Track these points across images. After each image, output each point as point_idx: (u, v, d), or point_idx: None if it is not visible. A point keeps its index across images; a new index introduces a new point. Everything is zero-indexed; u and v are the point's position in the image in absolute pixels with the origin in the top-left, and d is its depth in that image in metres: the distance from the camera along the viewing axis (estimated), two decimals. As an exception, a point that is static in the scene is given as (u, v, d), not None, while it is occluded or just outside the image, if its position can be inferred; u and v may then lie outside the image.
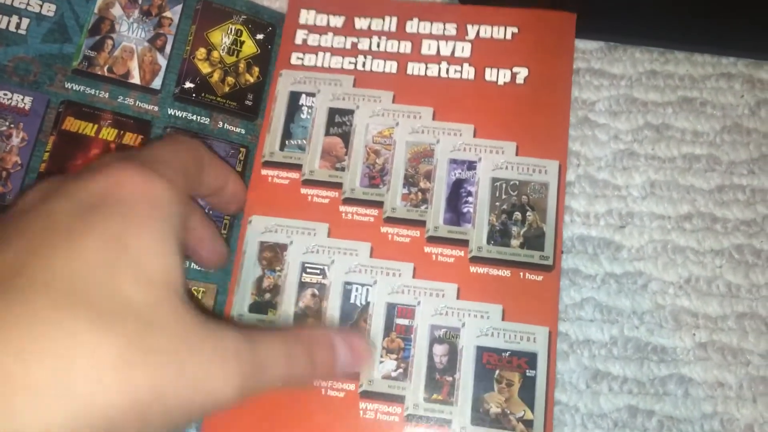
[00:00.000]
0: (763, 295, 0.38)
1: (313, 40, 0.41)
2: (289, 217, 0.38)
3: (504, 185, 0.38)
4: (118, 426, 0.22)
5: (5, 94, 0.38)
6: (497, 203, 0.37)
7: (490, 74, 0.40)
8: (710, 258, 0.39)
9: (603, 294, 0.39)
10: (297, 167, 0.39)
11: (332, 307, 0.36)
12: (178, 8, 0.42)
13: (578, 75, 0.43)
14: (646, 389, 0.37)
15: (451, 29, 0.41)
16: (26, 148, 0.38)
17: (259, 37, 0.42)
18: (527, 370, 0.34)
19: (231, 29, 0.42)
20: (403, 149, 0.39)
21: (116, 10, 0.41)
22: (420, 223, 0.37)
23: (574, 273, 0.39)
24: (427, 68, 0.40)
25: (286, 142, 0.39)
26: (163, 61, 0.41)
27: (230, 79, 0.41)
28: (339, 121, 0.39)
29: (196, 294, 0.37)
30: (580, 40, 0.44)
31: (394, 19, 0.41)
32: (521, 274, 0.36)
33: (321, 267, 0.37)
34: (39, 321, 0.22)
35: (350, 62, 0.40)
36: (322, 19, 0.42)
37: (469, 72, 0.40)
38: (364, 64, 0.40)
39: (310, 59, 0.41)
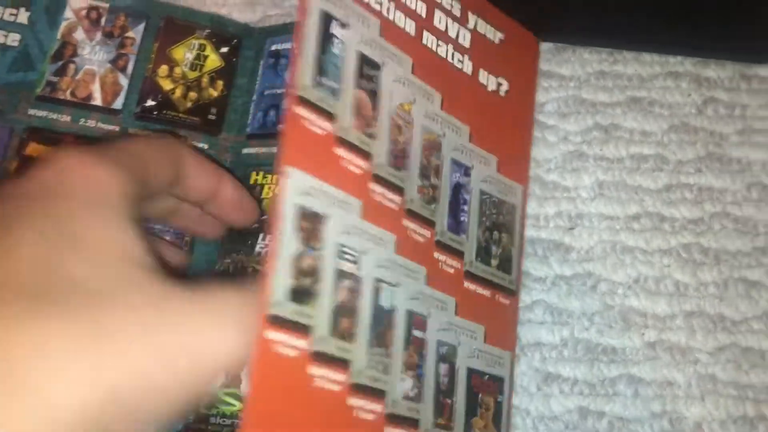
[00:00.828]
0: (711, 293, 0.39)
1: None
2: (325, 180, 0.29)
3: (488, 200, 0.36)
4: (100, 422, 0.21)
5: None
6: (483, 218, 0.36)
7: (482, 77, 0.37)
8: (658, 257, 0.39)
9: (553, 296, 0.39)
10: (329, 116, 0.30)
11: (365, 308, 0.29)
12: (141, 27, 0.42)
13: (527, 77, 0.43)
14: (596, 390, 0.37)
15: (457, 9, 0.37)
16: (-12, 175, 0.38)
17: (224, 50, 0.42)
18: (498, 395, 0.34)
19: (194, 44, 0.42)
20: (419, 133, 0.34)
21: (79, 34, 0.41)
22: (431, 223, 0.33)
23: (524, 276, 0.39)
24: (438, 45, 0.36)
25: (318, 78, 0.30)
26: (125, 81, 0.41)
27: (193, 94, 0.41)
28: (368, 74, 0.32)
29: None
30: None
31: None
32: (496, 295, 0.35)
33: (356, 254, 0.29)
34: None
35: (377, 1, 0.33)
36: None
37: (468, 66, 0.37)
38: (389, 11, 0.34)
39: None
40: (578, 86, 0.43)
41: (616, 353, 0.38)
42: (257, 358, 0.25)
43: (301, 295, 0.27)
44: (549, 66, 0.43)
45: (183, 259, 0.36)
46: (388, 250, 0.31)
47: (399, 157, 0.32)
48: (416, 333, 0.31)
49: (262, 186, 0.40)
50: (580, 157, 0.41)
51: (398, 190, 0.32)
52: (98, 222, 0.24)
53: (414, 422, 0.30)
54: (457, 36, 0.36)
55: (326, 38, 0.31)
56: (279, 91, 0.41)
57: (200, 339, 0.23)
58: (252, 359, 0.25)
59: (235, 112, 0.42)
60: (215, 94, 0.42)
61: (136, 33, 0.42)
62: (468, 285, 0.34)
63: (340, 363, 0.27)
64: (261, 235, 0.38)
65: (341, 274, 0.28)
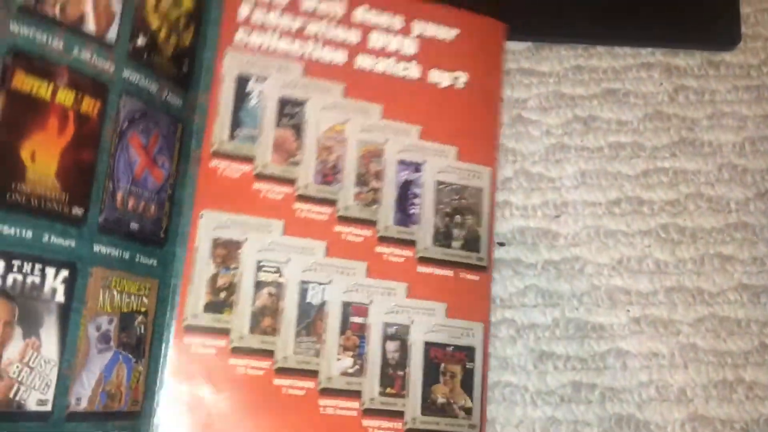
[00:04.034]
0: (689, 269, 0.42)
1: (258, 16, 0.39)
2: (242, 212, 0.37)
3: (447, 189, 0.40)
4: None
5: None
6: (441, 206, 0.39)
7: (434, 75, 0.41)
8: (639, 239, 0.42)
9: (543, 280, 0.42)
10: (248, 160, 0.37)
11: (290, 307, 0.36)
12: None
13: (510, 75, 0.45)
14: (587, 365, 0.40)
15: (398, 23, 0.41)
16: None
17: None
18: (467, 363, 0.37)
19: None
20: (355, 147, 0.39)
21: None
22: (372, 223, 0.38)
23: (516, 263, 0.42)
24: (375, 62, 0.40)
25: (235, 131, 0.37)
26: (118, 7, 0.36)
27: (174, 39, 0.38)
28: (290, 113, 0.38)
29: (139, 290, 0.36)
30: (509, 41, 0.46)
31: (344, 3, 0.40)
32: (461, 273, 0.39)
33: (277, 265, 0.37)
34: None
35: (299, 47, 0.39)
36: None
37: (414, 71, 0.40)
38: (313, 52, 0.39)
39: (256, 39, 0.39)
40: (557, 81, 0.45)
41: (604, 330, 0.41)
42: (174, 357, 0.35)
43: (216, 306, 0.36)
44: (529, 64, 0.46)
45: None
46: (317, 255, 0.37)
47: (329, 174, 0.38)
48: (356, 319, 0.37)
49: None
50: (562, 149, 0.44)
51: (329, 202, 0.38)
52: None
53: (355, 393, 0.36)
54: (400, 48, 0.40)
55: (243, 96, 0.38)
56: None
57: None
58: (169, 357, 0.35)
59: (202, 67, 0.38)
60: (186, 42, 0.38)
61: None
62: (422, 269, 0.38)
63: (263, 353, 0.36)
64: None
65: (260, 284, 0.36)
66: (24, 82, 0.31)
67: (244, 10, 0.39)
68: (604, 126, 0.45)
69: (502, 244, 0.42)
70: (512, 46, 0.46)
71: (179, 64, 0.38)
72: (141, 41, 0.37)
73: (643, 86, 0.45)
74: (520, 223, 0.43)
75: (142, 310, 0.36)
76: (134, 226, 0.35)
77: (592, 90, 0.45)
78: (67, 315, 0.32)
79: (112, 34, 0.35)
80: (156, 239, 0.36)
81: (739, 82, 0.45)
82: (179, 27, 0.38)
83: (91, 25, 0.35)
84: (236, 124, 0.37)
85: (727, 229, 0.42)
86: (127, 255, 0.35)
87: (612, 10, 0.46)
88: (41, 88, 0.32)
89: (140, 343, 0.35)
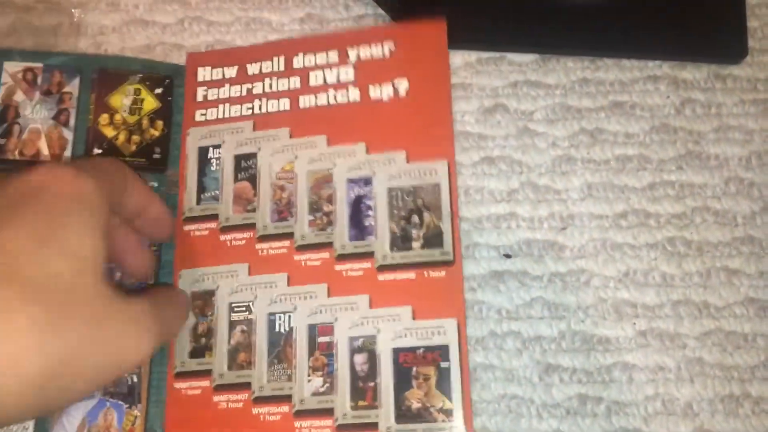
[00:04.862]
0: (696, 282, 0.42)
1: (212, 94, 0.43)
2: (212, 264, 0.40)
3: (399, 193, 0.40)
4: (37, 385, 0.26)
5: None
6: (395, 211, 0.40)
7: (374, 92, 0.42)
8: (646, 251, 0.42)
9: (550, 292, 0.42)
10: (214, 217, 0.41)
11: (260, 339, 0.39)
12: (76, 81, 0.44)
13: (516, 87, 0.46)
14: (593, 378, 0.40)
15: (334, 56, 0.43)
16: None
17: (158, 91, 0.44)
18: (441, 363, 0.37)
19: (129, 90, 0.44)
20: (304, 179, 0.41)
21: (18, 96, 0.43)
22: (328, 245, 0.40)
23: (522, 275, 0.42)
24: (316, 98, 0.42)
25: (201, 195, 0.42)
26: (69, 135, 0.43)
27: (136, 138, 0.43)
28: (245, 166, 0.42)
29: None
30: (515, 54, 0.46)
31: (282, 59, 0.43)
32: (425, 273, 0.38)
33: (246, 304, 0.40)
34: None
35: (248, 108, 0.43)
36: (217, 73, 0.44)
37: (354, 94, 0.42)
38: (260, 107, 0.43)
39: (212, 113, 0.43)
40: (564, 94, 0.46)
41: (610, 342, 0.41)
42: (170, 402, 0.39)
43: (199, 351, 0.40)
44: (536, 76, 0.46)
45: (148, 262, 0.40)
46: (280, 287, 0.40)
47: (284, 211, 0.41)
48: (322, 339, 0.39)
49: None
50: (568, 161, 0.44)
51: (286, 236, 0.40)
52: (78, 226, 0.29)
53: (328, 411, 0.37)
54: (338, 78, 0.43)
55: (204, 164, 0.42)
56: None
57: (123, 340, 0.29)
58: (167, 404, 0.39)
59: (177, 148, 0.44)
60: (156, 133, 0.43)
61: (72, 88, 0.44)
62: (383, 277, 0.39)
63: (241, 386, 0.38)
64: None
65: (233, 324, 0.40)
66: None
67: (200, 94, 0.44)
68: (611, 138, 0.45)
69: (508, 256, 0.42)
70: (519, 58, 0.46)
71: (149, 154, 0.43)
72: (97, 151, 0.43)
73: (650, 99, 0.45)
74: (526, 235, 0.43)
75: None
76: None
77: (598, 102, 0.45)
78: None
79: (66, 155, 0.42)
80: None
81: (746, 95, 0.45)
82: (141, 127, 0.43)
83: (46, 155, 0.42)
84: (201, 189, 0.42)
85: (734, 242, 0.42)
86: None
87: (619, 23, 0.46)
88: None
89: (133, 390, 0.39)
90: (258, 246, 0.40)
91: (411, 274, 0.39)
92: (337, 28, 0.46)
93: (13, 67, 0.43)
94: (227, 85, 0.43)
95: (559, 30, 0.46)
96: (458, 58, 0.46)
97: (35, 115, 0.43)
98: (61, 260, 0.27)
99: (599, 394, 0.40)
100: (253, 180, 0.42)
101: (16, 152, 0.42)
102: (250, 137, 0.42)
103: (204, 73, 0.44)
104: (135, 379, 0.39)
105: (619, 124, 0.45)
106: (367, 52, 0.43)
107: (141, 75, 0.44)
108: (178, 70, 0.45)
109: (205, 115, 0.43)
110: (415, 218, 0.40)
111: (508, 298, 0.41)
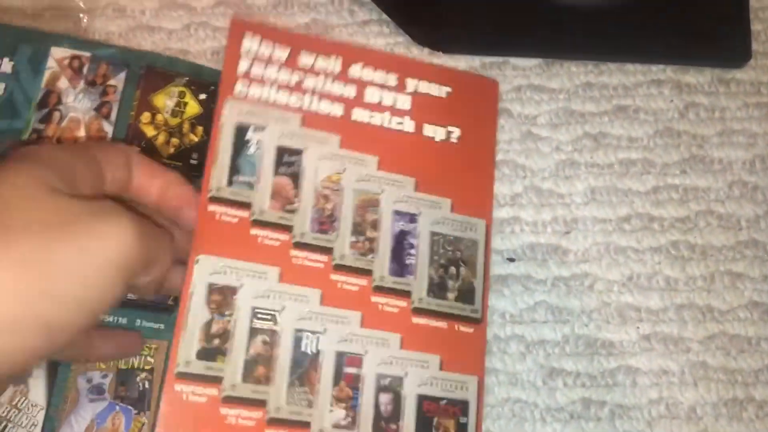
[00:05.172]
0: (699, 286, 0.42)
1: (257, 70, 0.40)
2: (238, 258, 0.36)
3: (441, 240, 0.40)
4: (18, 330, 0.25)
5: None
6: (435, 257, 0.39)
7: (428, 130, 0.41)
8: (649, 255, 0.42)
9: (554, 296, 0.42)
10: (246, 206, 0.37)
11: (283, 356, 0.36)
12: (122, 75, 0.43)
13: (520, 92, 0.46)
14: (597, 382, 0.40)
15: (392, 80, 0.42)
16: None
17: (202, 96, 0.44)
18: (461, 418, 0.37)
19: (174, 92, 0.43)
20: (351, 196, 0.39)
21: (62, 83, 0.42)
22: (367, 272, 0.38)
23: (526, 279, 0.42)
24: (371, 116, 0.41)
25: (234, 177, 0.38)
26: (109, 128, 0.42)
27: (175, 140, 0.43)
28: (288, 161, 0.39)
29: (147, 350, 0.39)
30: (520, 58, 0.47)
31: (339, 61, 0.41)
32: (456, 326, 0.38)
33: (272, 313, 0.36)
34: None
35: (298, 100, 0.40)
36: (266, 48, 0.40)
37: (410, 125, 0.41)
38: (311, 104, 0.40)
39: (255, 91, 0.39)
40: (567, 98, 0.46)
41: (614, 346, 0.41)
42: (166, 404, 0.34)
43: (210, 353, 0.35)
44: (539, 80, 0.46)
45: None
46: (312, 304, 0.37)
47: (325, 223, 0.38)
48: (349, 370, 0.36)
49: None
50: (572, 165, 0.44)
51: (325, 250, 0.38)
52: (30, 169, 0.28)
53: None
54: (394, 103, 0.41)
55: (241, 144, 0.38)
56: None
57: (92, 236, 0.27)
58: (162, 405, 0.34)
59: None
60: (196, 139, 0.43)
61: (117, 81, 0.43)
62: (417, 320, 0.38)
63: (255, 403, 0.35)
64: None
65: (254, 332, 0.36)
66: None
67: (243, 66, 0.40)
68: (615, 142, 0.45)
69: (512, 260, 0.42)
70: (523, 62, 0.46)
71: (185, 158, 0.42)
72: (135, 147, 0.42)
73: (654, 103, 0.46)
74: (530, 239, 0.43)
75: (146, 367, 0.39)
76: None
77: (602, 107, 0.46)
78: (55, 369, 0.38)
79: None
80: (163, 306, 0.40)
81: (749, 99, 0.45)
82: (182, 131, 0.43)
83: None
84: (235, 170, 0.38)
85: (738, 246, 0.42)
86: (125, 321, 0.39)
87: (622, 27, 0.46)
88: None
89: (143, 396, 0.38)
90: (293, 253, 0.37)
91: (443, 324, 0.38)
92: (342, 33, 0.47)
93: (60, 53, 0.43)
94: (276, 66, 0.40)
95: (563, 34, 0.47)
96: (462, 62, 0.46)
97: (77, 104, 0.42)
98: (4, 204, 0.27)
99: (603, 398, 0.40)
100: (295, 179, 0.39)
101: (54, 139, 0.41)
102: (298, 132, 0.39)
103: (251, 44, 0.40)
104: (146, 385, 0.38)
105: (622, 128, 0.45)
106: (425, 87, 0.42)
107: (187, 78, 0.44)
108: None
109: (247, 89, 0.39)
110: (453, 269, 0.39)
111: (512, 302, 0.42)
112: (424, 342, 0.38)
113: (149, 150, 0.42)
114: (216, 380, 0.35)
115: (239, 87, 0.39)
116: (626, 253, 0.42)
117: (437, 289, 0.39)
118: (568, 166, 0.44)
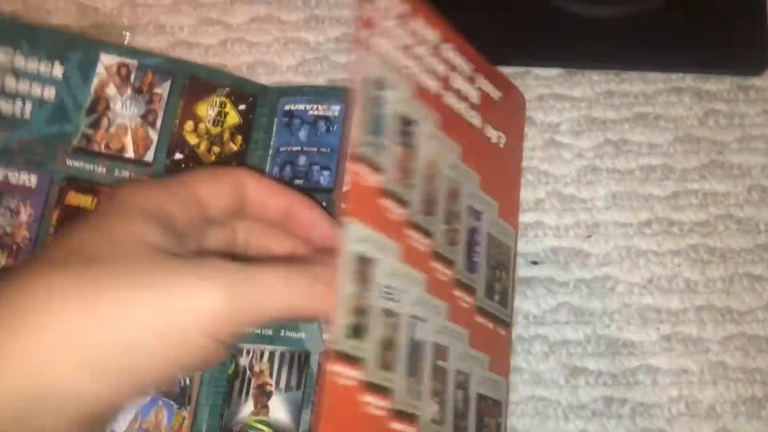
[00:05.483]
0: (719, 288, 0.43)
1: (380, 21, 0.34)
2: (374, 228, 0.31)
3: (494, 242, 0.39)
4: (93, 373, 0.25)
5: (13, 174, 0.42)
6: (490, 259, 0.39)
7: (488, 131, 0.40)
8: (669, 258, 0.44)
9: (576, 298, 0.43)
10: (378, 170, 0.32)
11: (403, 342, 0.32)
12: (167, 84, 0.45)
13: (542, 100, 0.47)
14: (618, 380, 0.42)
15: (468, 70, 0.39)
16: (33, 222, 0.41)
17: (242, 107, 0.45)
18: (498, 418, 0.38)
19: (216, 101, 0.45)
20: (444, 183, 0.36)
21: (111, 90, 0.44)
22: (452, 263, 0.36)
23: (549, 281, 0.44)
24: (457, 104, 0.38)
25: (370, 137, 0.32)
26: (154, 135, 0.44)
27: (216, 149, 0.44)
28: (404, 131, 0.34)
29: None
30: (542, 68, 0.48)
31: (438, 35, 0.37)
32: (497, 328, 0.39)
33: (398, 294, 0.32)
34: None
35: (408, 65, 0.35)
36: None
37: (478, 121, 0.39)
38: (417, 72, 0.35)
39: (381, 44, 0.33)
40: (589, 106, 0.47)
41: (635, 346, 0.42)
42: (326, 390, 0.28)
43: (356, 331, 0.30)
44: (561, 89, 0.48)
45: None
46: (420, 289, 0.33)
47: (429, 205, 0.35)
48: (439, 363, 0.34)
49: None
50: (593, 171, 0.46)
51: (428, 234, 0.35)
52: (128, 223, 0.29)
53: None
54: (469, 96, 0.39)
55: (376, 100, 0.33)
56: (293, 148, 0.45)
57: (180, 297, 0.26)
58: (321, 390, 0.30)
59: (253, 165, 0.45)
60: (235, 148, 0.45)
61: (162, 90, 0.45)
62: (479, 319, 0.37)
63: (384, 391, 0.30)
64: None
65: (385, 312, 0.31)
66: (74, 198, 0.43)
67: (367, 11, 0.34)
68: (635, 149, 0.46)
69: (535, 263, 0.44)
70: (545, 72, 0.48)
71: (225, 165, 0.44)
72: (178, 156, 0.44)
73: (674, 110, 0.47)
74: (552, 242, 0.44)
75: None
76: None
77: (623, 114, 0.47)
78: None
79: (149, 156, 0.44)
80: None
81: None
82: (222, 139, 0.45)
83: (130, 153, 0.44)
84: (371, 129, 0.32)
85: (756, 249, 0.44)
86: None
87: (643, 36, 0.48)
88: (86, 201, 0.43)
89: (184, 392, 0.40)
90: (407, 232, 0.33)
91: (491, 325, 0.38)
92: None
93: (109, 60, 0.44)
94: (392, 20, 0.34)
95: (584, 44, 0.48)
96: (486, 73, 0.48)
97: (125, 110, 0.44)
98: (106, 245, 0.28)
99: (624, 396, 0.41)
100: (410, 151, 0.34)
101: (103, 144, 0.43)
102: (410, 102, 0.34)
103: None
104: (187, 382, 0.40)
105: (643, 135, 0.46)
106: (487, 86, 0.40)
107: (228, 89, 0.45)
108: (263, 90, 0.46)
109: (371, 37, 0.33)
110: (498, 273, 0.39)
111: (536, 304, 0.43)
112: (482, 341, 0.37)
113: (192, 158, 0.44)
114: (359, 362, 0.29)
115: (376, 35, 0.33)
116: (647, 256, 0.44)
117: (491, 290, 0.38)
118: (589, 172, 0.46)
